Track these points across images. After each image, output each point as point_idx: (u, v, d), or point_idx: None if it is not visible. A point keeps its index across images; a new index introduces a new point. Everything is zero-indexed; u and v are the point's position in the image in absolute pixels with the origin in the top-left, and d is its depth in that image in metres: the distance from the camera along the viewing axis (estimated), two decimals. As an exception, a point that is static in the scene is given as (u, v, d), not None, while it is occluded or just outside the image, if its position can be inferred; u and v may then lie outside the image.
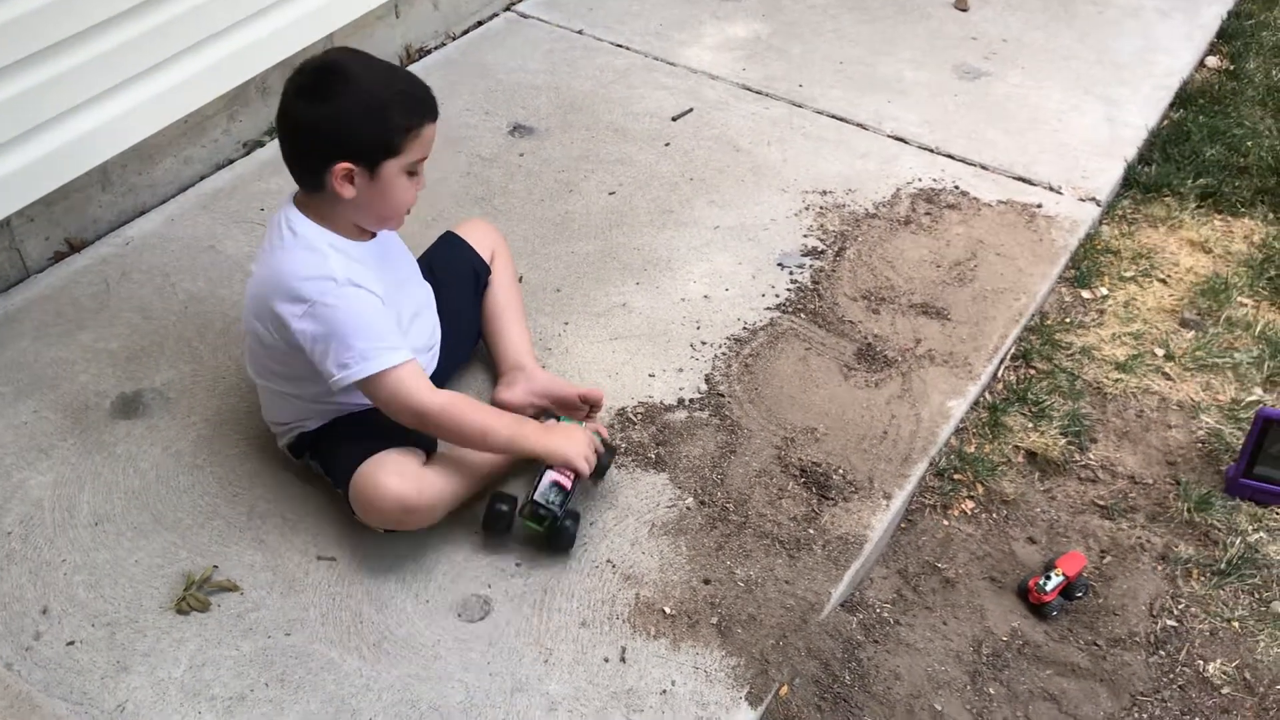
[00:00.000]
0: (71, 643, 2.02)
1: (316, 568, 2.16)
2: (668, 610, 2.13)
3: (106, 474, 2.31)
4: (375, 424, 2.13)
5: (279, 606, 2.09)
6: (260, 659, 2.01)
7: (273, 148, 3.21)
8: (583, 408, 2.40)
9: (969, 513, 2.47)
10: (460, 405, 2.11)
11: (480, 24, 3.80)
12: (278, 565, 2.16)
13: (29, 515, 2.22)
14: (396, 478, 2.09)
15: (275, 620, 2.07)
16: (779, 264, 2.91)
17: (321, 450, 2.23)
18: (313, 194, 2.08)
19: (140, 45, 2.79)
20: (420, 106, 2.05)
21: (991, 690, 2.16)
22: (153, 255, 2.84)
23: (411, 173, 2.07)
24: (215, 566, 2.15)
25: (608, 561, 2.20)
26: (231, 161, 3.17)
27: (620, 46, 3.71)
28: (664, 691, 2.00)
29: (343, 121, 1.98)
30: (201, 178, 3.11)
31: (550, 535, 2.17)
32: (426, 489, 2.12)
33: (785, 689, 2.07)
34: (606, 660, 2.04)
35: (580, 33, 3.77)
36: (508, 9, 3.88)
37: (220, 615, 2.08)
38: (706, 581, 2.18)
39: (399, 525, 2.15)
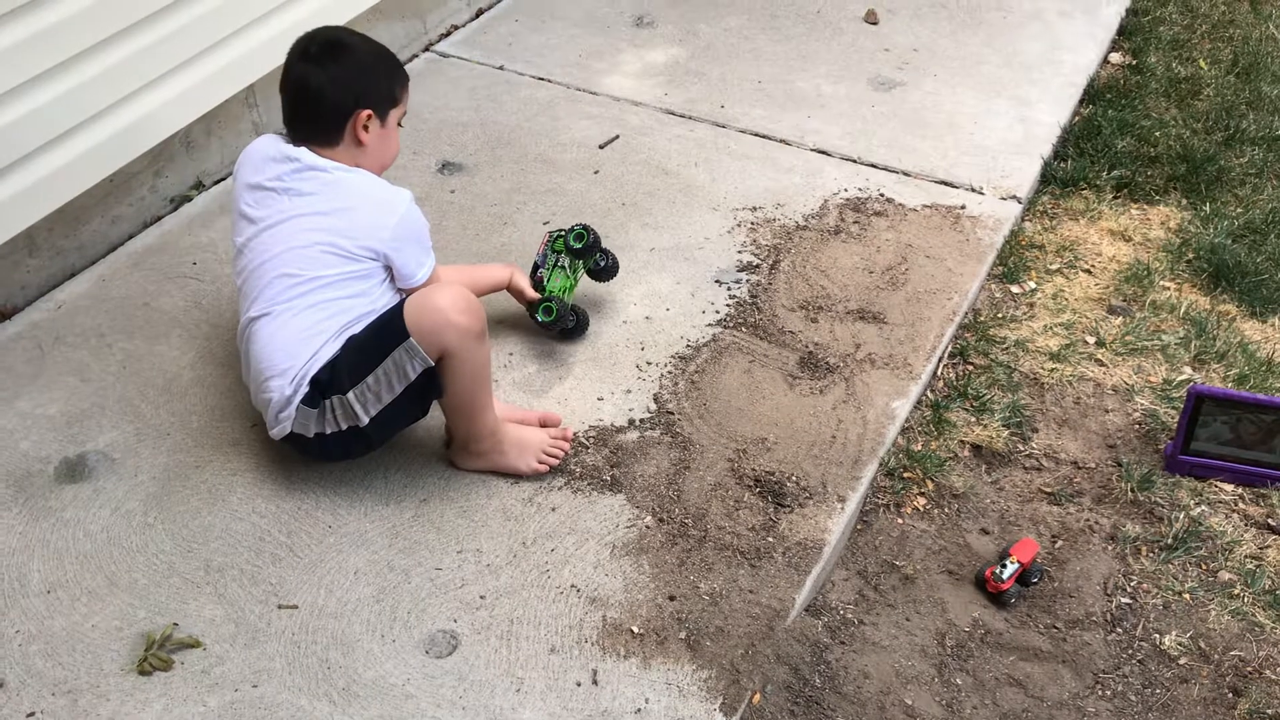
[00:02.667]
0: (32, 714, 1.98)
1: (279, 616, 2.14)
2: (635, 629, 2.14)
3: (55, 540, 2.27)
4: (382, 323, 2.27)
5: (243, 659, 2.07)
6: (229, 713, 1.98)
7: (200, 202, 3.19)
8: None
9: (921, 509, 2.51)
10: (461, 282, 2.49)
11: (400, 66, 3.81)
12: (239, 617, 2.14)
13: (-22, 588, 2.18)
14: (444, 287, 2.26)
15: (241, 673, 2.05)
16: (716, 281, 2.95)
17: (339, 369, 2.23)
18: (325, 149, 2.36)
19: (60, 106, 2.76)
20: (404, 70, 2.47)
21: (959, 681, 2.19)
22: (86, 317, 2.80)
23: (399, 124, 2.47)
24: (175, 624, 2.12)
25: (572, 586, 2.21)
26: (160, 218, 3.14)
27: (542, 79, 3.75)
28: (638, 710, 2.01)
29: (362, 76, 2.37)
30: (130, 236, 3.07)
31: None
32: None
33: (758, 697, 2.09)
34: (579, 684, 2.04)
35: (501, 68, 3.80)
36: (427, 49, 3.90)
37: (184, 673, 2.05)
38: (671, 598, 2.19)
39: (465, 318, 2.19)
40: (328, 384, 2.24)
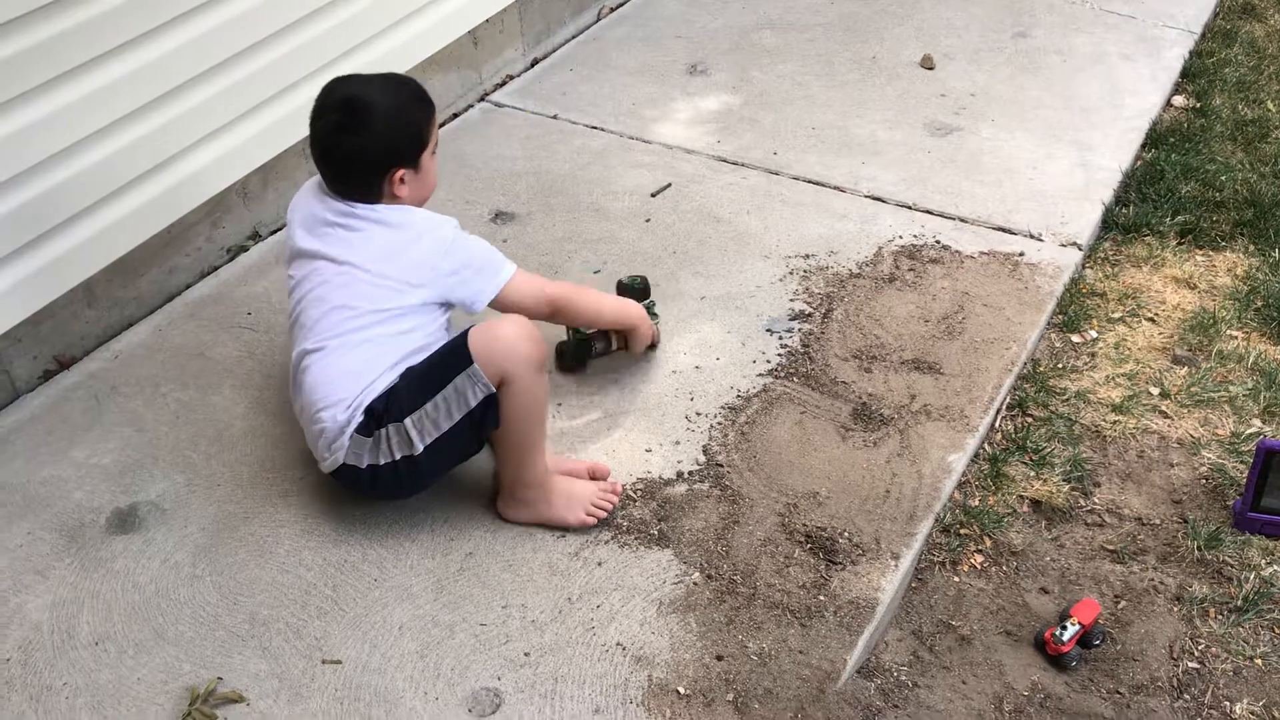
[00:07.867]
0: (76, 768, 1.98)
1: (322, 672, 2.13)
2: (682, 690, 2.09)
3: (105, 592, 2.28)
4: (446, 350, 2.29)
5: (286, 715, 2.05)
6: (270, 771, 1.97)
7: (256, 252, 3.23)
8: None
9: (979, 567, 2.44)
10: (573, 291, 2.58)
11: (456, 115, 3.84)
12: (283, 672, 2.12)
13: (28, 639, 2.19)
14: (511, 317, 2.29)
15: (283, 729, 2.03)
16: (768, 329, 2.91)
17: (398, 395, 2.25)
18: (366, 199, 2.37)
19: (120, 159, 2.81)
20: (426, 98, 2.43)
21: (1017, 748, 2.12)
22: (141, 367, 2.83)
23: (433, 152, 2.44)
24: (219, 678, 2.11)
25: (617, 644, 2.17)
26: (216, 268, 3.18)
27: (595, 128, 3.76)
28: (684, 774, 1.96)
29: (387, 139, 2.33)
30: (187, 286, 3.11)
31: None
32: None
33: (807, 762, 2.03)
34: (623, 746, 2.01)
35: (555, 117, 3.82)
36: (482, 99, 3.93)
37: (227, 728, 2.04)
38: (719, 658, 2.15)
39: (529, 345, 2.23)
40: (383, 413, 2.25)
